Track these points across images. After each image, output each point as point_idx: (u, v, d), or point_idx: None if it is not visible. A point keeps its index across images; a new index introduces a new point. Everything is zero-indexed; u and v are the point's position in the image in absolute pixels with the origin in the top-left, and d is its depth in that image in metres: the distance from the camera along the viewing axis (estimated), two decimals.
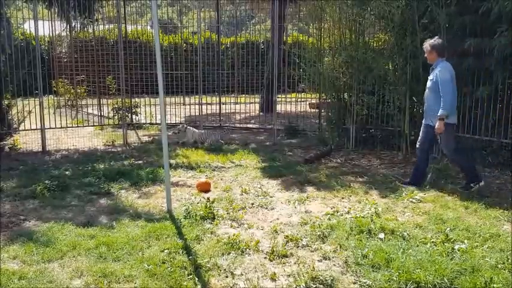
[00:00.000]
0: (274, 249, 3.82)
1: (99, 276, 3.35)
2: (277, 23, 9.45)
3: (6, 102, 7.88)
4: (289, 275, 3.43)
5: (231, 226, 4.42)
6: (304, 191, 5.59)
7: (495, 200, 5.06)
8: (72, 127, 9.43)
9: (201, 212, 4.60)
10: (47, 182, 5.61)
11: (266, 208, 4.96)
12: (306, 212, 4.82)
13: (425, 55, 5.59)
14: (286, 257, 3.74)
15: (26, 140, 8.34)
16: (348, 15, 7.67)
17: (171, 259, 3.61)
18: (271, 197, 5.35)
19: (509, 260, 3.55)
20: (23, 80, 8.23)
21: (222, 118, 11.20)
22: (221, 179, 6.17)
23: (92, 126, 10.18)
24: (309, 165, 6.79)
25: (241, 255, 3.76)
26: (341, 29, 7.86)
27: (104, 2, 10.52)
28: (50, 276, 3.37)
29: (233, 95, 12.89)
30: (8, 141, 8.04)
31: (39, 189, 5.39)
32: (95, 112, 11.12)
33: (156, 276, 3.36)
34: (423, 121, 5.73)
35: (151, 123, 10.66)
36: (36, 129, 8.14)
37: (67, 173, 6.39)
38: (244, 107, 11.63)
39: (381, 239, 3.98)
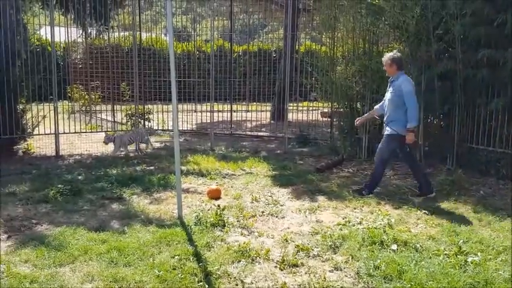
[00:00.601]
0: (285, 258, 3.79)
1: (110, 281, 3.35)
2: (290, 31, 9.48)
3: (21, 107, 7.99)
4: (299, 285, 3.40)
5: (241, 234, 4.40)
6: (315, 200, 5.55)
7: (509, 213, 4.97)
8: (85, 132, 9.54)
9: (212, 219, 4.59)
10: (59, 186, 5.66)
11: (276, 217, 4.94)
12: (317, 221, 4.78)
13: (384, 68, 5.67)
14: (297, 266, 3.70)
15: (40, 145, 8.44)
16: (361, 24, 7.66)
17: (182, 265, 3.60)
18: (281, 205, 5.32)
19: None
20: (38, 85, 8.35)
21: (233, 126, 11.22)
22: (231, 187, 6.16)
23: (105, 131, 10.26)
24: (320, 175, 6.75)
25: (252, 264, 3.73)
26: (355, 38, 7.85)
27: (119, 9, 10.66)
28: (61, 280, 3.37)
29: (244, 103, 12.93)
30: (22, 145, 8.15)
31: (51, 194, 5.44)
32: (109, 118, 11.22)
33: (166, 282, 3.35)
34: (383, 132, 5.76)
35: (163, 130, 10.72)
36: (50, 133, 8.24)
37: (80, 177, 6.44)
38: (255, 114, 11.64)
39: (393, 251, 3.94)
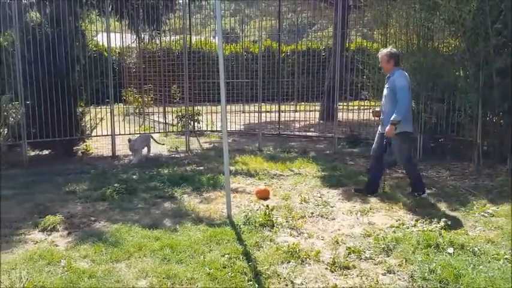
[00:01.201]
0: (336, 260, 3.72)
1: (163, 278, 3.44)
2: (339, 29, 9.32)
3: (80, 110, 8.39)
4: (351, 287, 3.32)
5: (291, 235, 4.37)
6: (367, 201, 5.41)
7: None
8: (139, 133, 9.87)
9: (260, 219, 4.59)
10: (116, 185, 5.90)
11: (326, 218, 4.86)
12: (369, 223, 4.66)
13: (381, 65, 5.50)
14: (348, 268, 3.62)
15: (98, 145, 8.85)
16: (415, 20, 7.39)
17: (232, 264, 3.63)
18: (331, 206, 5.24)
19: None
20: (95, 89, 8.76)
21: (281, 126, 11.20)
22: (280, 187, 6.15)
23: (157, 132, 10.60)
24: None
25: (301, 265, 3.70)
26: (408, 34, 7.58)
27: (170, 14, 10.97)
28: (117, 275, 3.50)
29: (292, 103, 12.87)
30: (81, 146, 8.58)
31: (108, 192, 5.67)
32: (160, 119, 11.57)
33: (217, 280, 3.39)
34: (379, 129, 5.58)
35: (212, 131, 10.90)
36: (107, 135, 8.61)
37: (134, 177, 6.68)
38: (303, 114, 11.55)
39: (449, 254, 3.77)
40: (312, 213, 4.98)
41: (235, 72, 11.90)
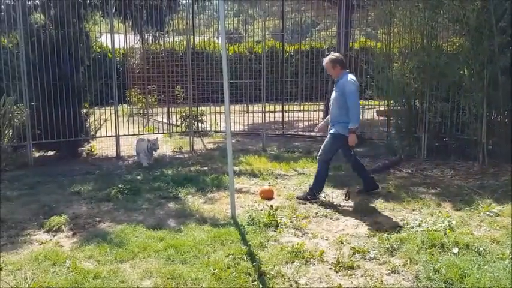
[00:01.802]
0: (340, 260, 3.71)
1: (168, 278, 3.44)
2: (343, 28, 9.30)
3: (84, 111, 8.43)
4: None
5: (295, 235, 4.37)
6: (371, 201, 5.40)
7: None
8: (143, 134, 9.90)
9: (265, 219, 4.59)
10: (120, 186, 5.92)
11: (331, 218, 4.85)
12: (373, 223, 4.65)
13: (328, 72, 5.46)
14: (353, 269, 3.61)
15: (102, 146, 8.88)
16: (419, 19, 7.37)
17: (236, 264, 3.63)
18: (335, 206, 5.23)
19: None
20: (99, 90, 8.79)
21: (285, 126, 11.20)
22: (284, 187, 6.15)
23: (161, 133, 10.62)
24: (376, 175, 6.54)
25: (306, 265, 3.69)
26: (412, 33, 7.55)
27: (174, 15, 10.99)
28: (122, 276, 3.51)
29: (296, 103, 12.85)
30: (86, 147, 8.61)
31: (113, 193, 5.69)
32: (164, 120, 11.60)
33: (221, 280, 3.39)
34: (329, 130, 5.53)
35: (215, 131, 10.91)
36: (111, 136, 8.64)
37: (138, 177, 6.70)
38: (307, 114, 11.54)
39: (454, 254, 3.74)
40: (316, 213, 4.97)
41: (239, 73, 11.91)
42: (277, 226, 4.51)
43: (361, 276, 3.50)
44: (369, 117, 10.11)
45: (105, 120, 8.63)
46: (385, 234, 4.22)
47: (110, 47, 8.63)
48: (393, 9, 7.90)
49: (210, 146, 9.59)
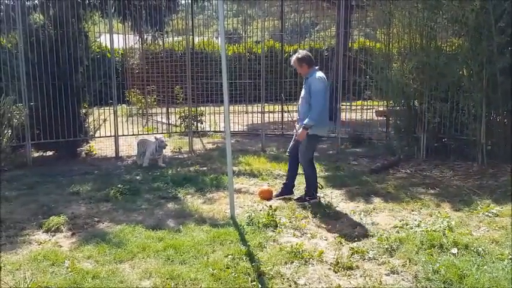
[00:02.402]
0: (339, 260, 3.72)
1: (167, 278, 3.44)
2: (342, 29, 9.31)
3: (83, 111, 8.42)
4: None
5: (294, 235, 4.37)
6: (370, 202, 5.40)
7: None
8: (142, 134, 9.89)
9: (264, 220, 4.60)
10: (119, 186, 5.92)
11: (330, 218, 4.85)
12: (372, 223, 4.65)
13: (298, 71, 5.38)
14: (352, 269, 3.62)
15: (101, 146, 8.87)
16: (418, 19, 7.37)
17: (235, 265, 3.63)
18: (335, 207, 5.23)
19: None
20: (98, 90, 8.78)
21: (284, 126, 11.20)
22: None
23: (160, 133, 10.60)
24: (375, 176, 6.57)
25: (305, 265, 3.69)
26: (411, 34, 7.56)
27: (173, 15, 10.99)
28: (121, 276, 3.51)
29: (295, 103, 12.84)
30: (85, 147, 8.60)
31: (112, 193, 5.69)
32: (164, 120, 11.59)
33: (220, 280, 3.39)
34: (295, 129, 5.48)
35: (215, 131, 10.91)
36: (110, 136, 8.63)
37: (138, 177, 6.70)
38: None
39: (453, 254, 3.76)
40: (316, 213, 4.97)
41: (238, 73, 11.91)
42: (276, 226, 4.51)
43: (360, 276, 3.50)
44: (367, 118, 10.12)
45: (104, 120, 8.62)
46: (384, 235, 4.23)
47: (109, 47, 8.62)
48: (392, 10, 7.90)
49: (209, 146, 9.59)
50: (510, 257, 3.66)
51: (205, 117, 11.17)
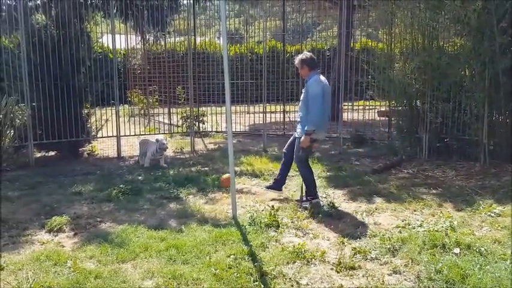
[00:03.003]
0: (341, 260, 3.71)
1: (169, 278, 3.44)
2: (344, 29, 9.31)
3: (85, 111, 8.43)
4: None
5: (296, 235, 4.37)
6: (373, 202, 5.40)
7: None
8: (144, 135, 9.91)
9: (266, 220, 4.59)
10: (121, 186, 5.93)
11: (332, 218, 4.85)
12: (374, 224, 4.65)
13: (299, 71, 5.36)
14: (354, 269, 3.61)
15: (103, 147, 8.88)
16: (420, 19, 7.36)
17: (237, 265, 3.63)
18: (337, 207, 5.22)
19: None
20: (100, 91, 8.80)
21: (285, 126, 11.20)
22: (285, 187, 6.12)
23: (162, 134, 10.62)
24: (377, 176, 6.56)
25: (307, 265, 3.69)
26: (413, 34, 7.55)
27: (175, 15, 11.00)
28: (123, 276, 3.51)
29: (297, 103, 12.84)
30: (87, 147, 8.61)
31: (114, 193, 5.69)
32: (165, 120, 11.61)
33: (223, 280, 3.39)
34: (295, 132, 5.47)
35: (216, 132, 10.91)
36: (113, 136, 8.65)
37: (140, 178, 6.70)
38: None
39: (456, 254, 3.75)
40: (318, 213, 4.96)
41: (240, 73, 11.91)
42: (279, 226, 4.51)
43: (363, 276, 3.49)
44: (370, 118, 10.11)
45: (106, 120, 8.64)
46: (387, 235, 4.22)
47: (111, 47, 8.62)
48: (394, 10, 7.90)
49: (211, 146, 9.59)
50: None
51: (207, 118, 11.17)
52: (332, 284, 3.39)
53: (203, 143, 9.94)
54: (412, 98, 7.70)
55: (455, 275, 3.35)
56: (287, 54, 12.68)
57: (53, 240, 4.33)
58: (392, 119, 8.74)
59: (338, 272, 3.57)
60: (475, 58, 6.71)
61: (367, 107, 10.52)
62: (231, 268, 3.57)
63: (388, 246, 3.97)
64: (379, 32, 9.23)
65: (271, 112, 11.45)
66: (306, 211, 5.02)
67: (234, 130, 10.41)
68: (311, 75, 5.22)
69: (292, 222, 4.67)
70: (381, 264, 3.70)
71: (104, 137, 8.76)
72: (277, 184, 5.71)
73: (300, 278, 3.46)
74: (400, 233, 4.30)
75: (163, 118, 11.82)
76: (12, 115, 7.57)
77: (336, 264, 3.68)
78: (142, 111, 12.69)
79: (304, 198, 5.40)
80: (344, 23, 9.37)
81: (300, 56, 5.32)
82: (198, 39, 12.64)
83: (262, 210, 4.98)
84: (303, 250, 3.89)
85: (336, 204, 5.29)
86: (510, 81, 6.50)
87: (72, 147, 8.19)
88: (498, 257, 3.67)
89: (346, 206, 5.30)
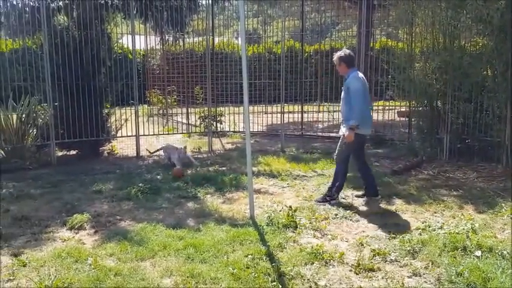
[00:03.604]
0: (360, 262, 3.68)
1: (187, 277, 3.47)
2: (364, 28, 9.23)
3: (105, 111, 8.56)
4: None
5: (314, 236, 4.35)
6: (392, 203, 5.33)
7: None
8: (163, 134, 10.01)
9: (283, 220, 4.58)
10: (140, 185, 5.99)
11: (351, 220, 4.81)
12: (394, 225, 4.59)
13: (336, 68, 5.34)
14: (373, 271, 3.57)
15: (123, 146, 9.00)
16: (441, 18, 7.24)
17: (255, 265, 3.63)
18: (356, 208, 5.18)
19: None
20: (120, 91, 8.91)
21: (303, 127, 11.15)
22: (303, 188, 6.12)
23: (180, 133, 10.71)
24: (397, 177, 6.48)
25: (325, 266, 3.67)
26: (434, 33, 7.44)
27: (194, 15, 11.07)
28: (142, 274, 3.55)
29: (315, 103, 12.79)
30: (107, 146, 8.74)
31: (133, 192, 5.76)
32: (184, 120, 11.69)
33: (240, 280, 3.40)
34: (340, 131, 5.42)
35: (234, 131, 10.93)
36: (132, 136, 8.75)
37: (158, 177, 6.76)
38: (327, 115, 11.47)
39: (477, 257, 3.69)
40: (336, 214, 4.93)
41: (258, 73, 11.91)
42: (296, 227, 4.49)
43: (382, 278, 3.46)
44: (389, 118, 9.99)
45: (126, 120, 8.75)
46: (406, 237, 4.17)
47: (130, 48, 8.72)
48: (415, 9, 7.79)
49: (229, 146, 9.62)
50: None
51: (225, 118, 11.21)
52: (351, 285, 3.37)
53: (221, 143, 9.98)
54: (432, 98, 7.58)
55: (477, 278, 3.30)
56: (305, 54, 12.63)
57: (74, 237, 4.40)
58: (413, 119, 8.62)
59: (357, 274, 3.54)
60: (498, 58, 6.57)
61: (386, 108, 10.39)
62: (248, 268, 3.57)
63: (408, 248, 3.92)
64: (399, 32, 9.12)
65: (289, 112, 11.42)
66: (324, 212, 4.98)
67: (251, 130, 10.41)
68: (350, 73, 5.25)
69: (310, 223, 4.65)
70: (400, 266, 3.65)
71: (124, 137, 8.87)
72: (369, 192, 5.57)
73: (318, 279, 3.45)
74: (420, 235, 4.24)
75: (182, 118, 11.90)
76: (35, 114, 7.75)
77: (354, 265, 3.65)
78: (161, 111, 12.81)
79: (325, 198, 5.36)
80: (364, 22, 9.29)
81: (339, 53, 5.33)
82: (216, 40, 12.70)
83: (280, 211, 4.97)
84: (321, 251, 3.87)
85: (355, 205, 5.25)
86: None
87: (93, 147, 8.32)
88: None
89: (365, 207, 5.24)
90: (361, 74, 5.30)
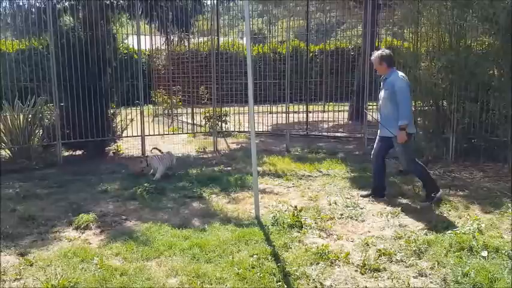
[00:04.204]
0: (366, 262, 3.67)
1: (193, 277, 3.48)
2: (369, 28, 9.20)
3: (111, 111, 8.60)
4: None
5: (319, 236, 4.34)
6: (398, 203, 5.31)
7: None
8: (168, 134, 10.04)
9: (289, 220, 4.58)
10: (146, 185, 6.00)
11: (356, 220, 4.80)
12: (399, 225, 4.57)
13: (375, 67, 5.32)
14: (379, 271, 3.56)
15: (128, 146, 9.03)
16: (447, 17, 7.21)
17: (260, 264, 3.64)
18: (361, 208, 5.17)
19: None
20: (125, 91, 8.95)
21: (308, 126, 11.14)
22: (308, 188, 6.11)
23: (185, 133, 10.74)
24: (403, 177, 6.45)
25: (331, 266, 3.67)
26: (440, 33, 7.40)
27: (199, 16, 11.08)
28: (148, 273, 3.57)
29: (320, 103, 12.77)
30: (112, 146, 8.77)
31: (139, 192, 5.78)
32: (189, 120, 11.71)
33: (246, 280, 3.40)
34: (378, 132, 5.40)
35: (239, 131, 10.94)
36: (137, 136, 8.78)
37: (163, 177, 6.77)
38: (332, 115, 11.45)
39: (483, 257, 3.67)
40: (341, 214, 4.93)
41: (263, 73, 11.91)
42: (302, 227, 4.49)
43: (388, 278, 3.45)
44: None
45: (131, 120, 8.78)
46: (412, 237, 4.16)
47: (136, 48, 8.76)
48: (420, 8, 7.75)
49: (234, 146, 9.63)
50: None
51: (230, 118, 11.22)
52: (356, 285, 3.36)
53: (226, 142, 9.99)
54: (438, 97, 7.54)
55: (483, 278, 3.28)
56: (310, 54, 12.61)
57: (80, 237, 4.43)
58: (418, 119, 8.57)
59: (362, 274, 3.54)
60: (504, 57, 6.54)
61: None
62: (254, 268, 3.58)
63: (414, 249, 3.91)
64: (405, 31, 9.08)
65: (294, 112, 11.41)
66: (329, 212, 4.98)
67: (256, 130, 10.41)
68: (391, 72, 5.25)
69: (315, 223, 4.65)
70: (406, 267, 3.64)
71: (129, 137, 8.91)
72: (376, 192, 5.57)
73: (324, 279, 3.44)
74: (426, 235, 4.23)
75: (187, 118, 11.92)
76: (41, 115, 7.79)
77: (360, 265, 3.64)
78: (166, 111, 12.83)
79: (429, 197, 5.27)
80: (369, 22, 9.27)
81: (380, 53, 5.31)
82: (221, 40, 12.72)
83: (285, 211, 4.97)
84: (326, 251, 3.87)
85: (361, 205, 5.24)
86: None
87: (98, 147, 8.36)
88: None
89: (371, 207, 5.23)
90: (402, 73, 5.30)
